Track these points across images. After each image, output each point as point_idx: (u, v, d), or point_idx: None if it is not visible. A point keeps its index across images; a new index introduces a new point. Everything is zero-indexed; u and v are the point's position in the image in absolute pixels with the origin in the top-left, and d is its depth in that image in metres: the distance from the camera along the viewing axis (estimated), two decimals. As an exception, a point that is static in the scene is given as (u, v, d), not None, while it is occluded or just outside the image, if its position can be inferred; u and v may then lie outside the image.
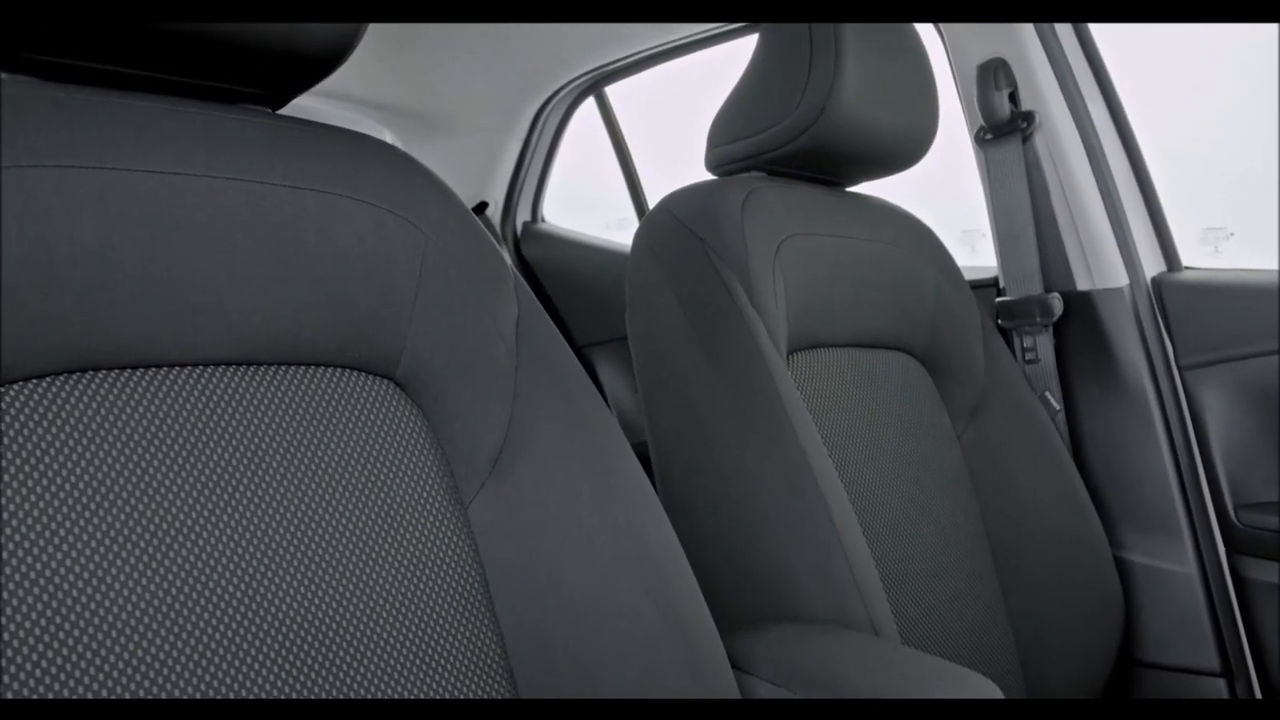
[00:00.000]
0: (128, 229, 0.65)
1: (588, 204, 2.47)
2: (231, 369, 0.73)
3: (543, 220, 2.38)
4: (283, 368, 0.75)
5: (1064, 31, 1.42)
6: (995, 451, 1.33)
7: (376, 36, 1.99)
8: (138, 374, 0.68)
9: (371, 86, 2.14)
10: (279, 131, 0.76)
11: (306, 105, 2.10)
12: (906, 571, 1.17)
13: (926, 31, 1.50)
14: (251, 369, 0.73)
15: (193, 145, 0.70)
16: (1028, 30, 1.40)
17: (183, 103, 0.74)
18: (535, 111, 2.20)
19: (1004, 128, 1.45)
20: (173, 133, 0.70)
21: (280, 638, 0.68)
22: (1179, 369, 1.38)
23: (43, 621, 0.59)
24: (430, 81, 2.15)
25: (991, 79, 1.44)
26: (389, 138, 2.34)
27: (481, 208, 2.32)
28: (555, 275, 2.32)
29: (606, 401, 2.23)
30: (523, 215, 2.35)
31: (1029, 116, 1.42)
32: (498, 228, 2.33)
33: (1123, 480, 1.39)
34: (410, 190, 0.80)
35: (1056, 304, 1.42)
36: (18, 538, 0.60)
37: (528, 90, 2.15)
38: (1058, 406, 1.43)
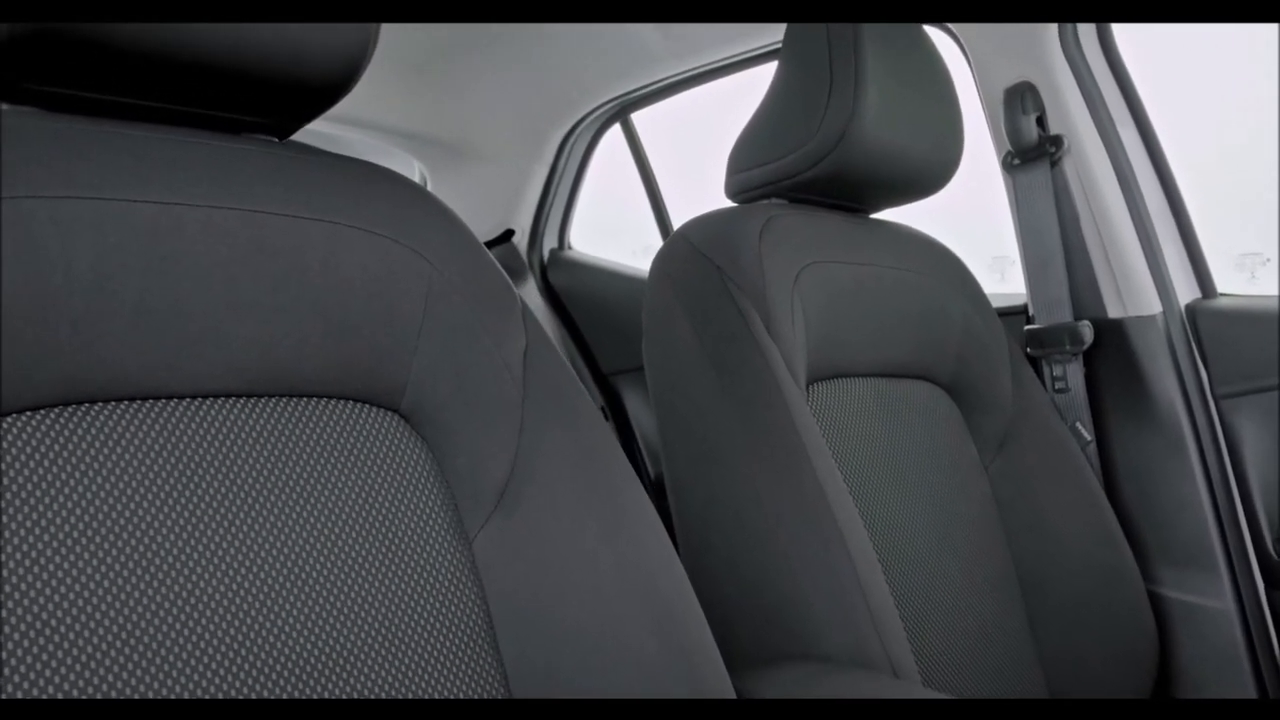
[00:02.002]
0: (125, 259, 0.65)
1: (614, 231, 2.46)
2: (230, 401, 0.72)
3: (569, 247, 2.37)
4: (283, 400, 0.74)
5: (1092, 54, 1.40)
6: (1024, 483, 1.30)
7: (404, 67, 2.00)
8: (134, 406, 0.67)
9: (400, 116, 2.16)
10: (282, 161, 0.76)
11: (335, 135, 2.12)
12: (930, 608, 1.14)
13: (952, 54, 1.48)
14: (251, 401, 0.72)
15: (194, 175, 0.70)
16: (1055, 53, 1.38)
17: (185, 132, 0.73)
18: (561, 139, 2.20)
19: (1032, 152, 1.42)
20: (173, 162, 0.70)
21: (278, 673, 0.67)
22: (1214, 398, 1.34)
23: (28, 659, 0.58)
24: (457, 110, 2.16)
25: (1019, 103, 1.41)
26: (417, 167, 2.35)
27: (508, 235, 2.32)
28: (582, 303, 2.31)
29: (632, 429, 2.22)
30: (549, 243, 2.35)
31: (1057, 141, 1.40)
32: (524, 255, 2.33)
33: (1156, 513, 1.35)
34: (417, 219, 0.80)
35: (1087, 332, 1.39)
36: (5, 573, 0.59)
37: (553, 118, 2.15)
38: (1089, 437, 1.39)
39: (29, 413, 0.63)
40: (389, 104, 2.10)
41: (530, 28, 1.87)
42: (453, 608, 0.76)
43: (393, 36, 1.87)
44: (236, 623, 0.66)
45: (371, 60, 1.93)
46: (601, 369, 2.30)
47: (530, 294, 2.30)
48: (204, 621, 0.65)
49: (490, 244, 2.33)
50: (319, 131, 2.09)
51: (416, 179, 2.33)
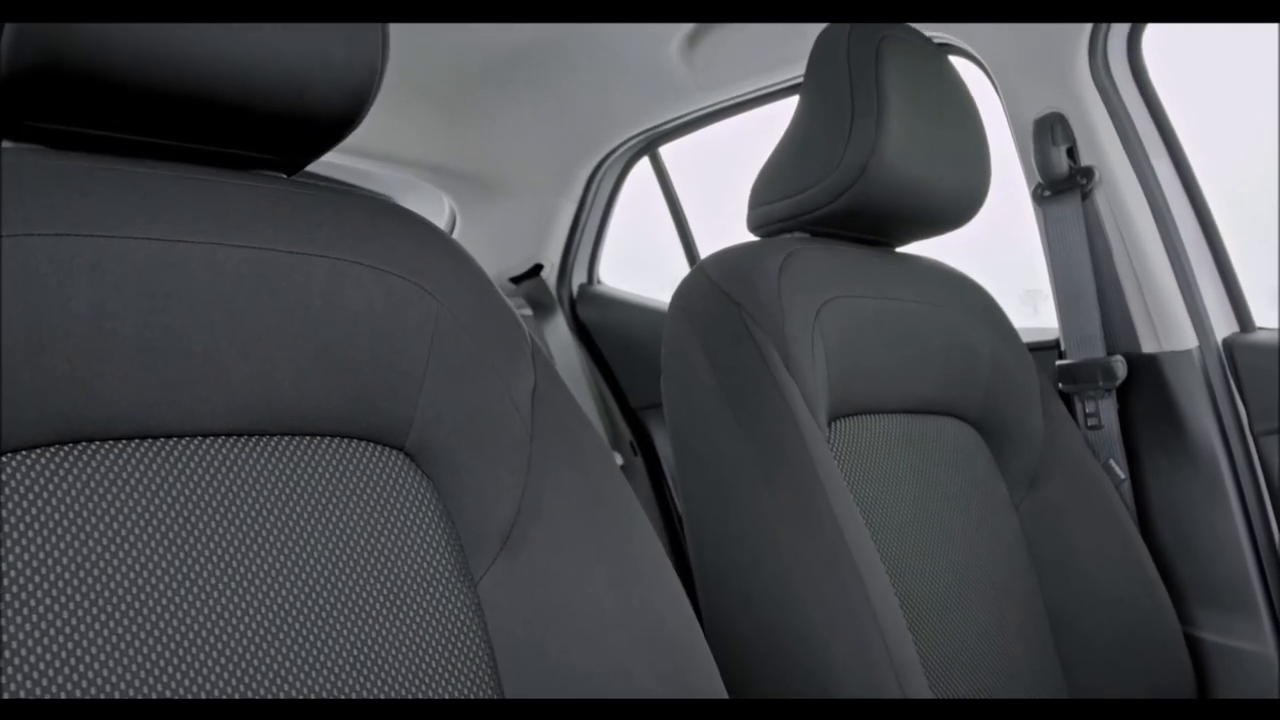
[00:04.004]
0: (124, 296, 0.65)
1: (644, 265, 2.45)
2: (231, 440, 0.71)
3: (598, 282, 2.37)
4: (285, 438, 0.73)
5: (1124, 83, 1.37)
6: (1056, 523, 1.27)
7: (433, 101, 2.00)
8: (132, 445, 0.67)
9: (429, 151, 2.16)
10: (288, 197, 0.75)
11: (366, 170, 2.13)
12: (956, 651, 1.11)
13: (981, 85, 1.46)
14: (252, 440, 0.72)
15: (197, 212, 0.70)
16: (1085, 83, 1.36)
17: (192, 169, 0.73)
18: (589, 173, 2.19)
19: (1062, 184, 1.40)
20: (177, 199, 0.69)
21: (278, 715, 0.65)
22: (1253, 435, 1.31)
23: (19, 696, 0.57)
24: (486, 145, 2.16)
25: (1049, 133, 1.39)
26: (446, 202, 2.36)
27: (536, 270, 2.31)
28: (611, 337, 2.30)
29: (661, 465, 2.20)
30: (578, 277, 2.34)
31: (1088, 172, 1.37)
32: (553, 290, 2.32)
33: (1193, 553, 1.31)
34: (424, 255, 0.79)
35: (1120, 367, 1.36)
36: None
37: (582, 152, 2.15)
38: (1123, 475, 1.36)
39: (24, 452, 0.62)
40: (418, 139, 2.11)
41: (557, 60, 1.87)
42: (457, 651, 0.75)
43: (421, 70, 1.88)
44: (235, 665, 0.65)
45: (400, 95, 1.94)
46: (631, 404, 2.29)
47: (559, 328, 2.29)
48: (202, 662, 0.64)
49: (519, 278, 2.33)
50: (348, 166, 2.10)
51: (446, 213, 2.35)
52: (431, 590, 0.75)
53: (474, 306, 0.80)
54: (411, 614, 0.74)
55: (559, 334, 2.29)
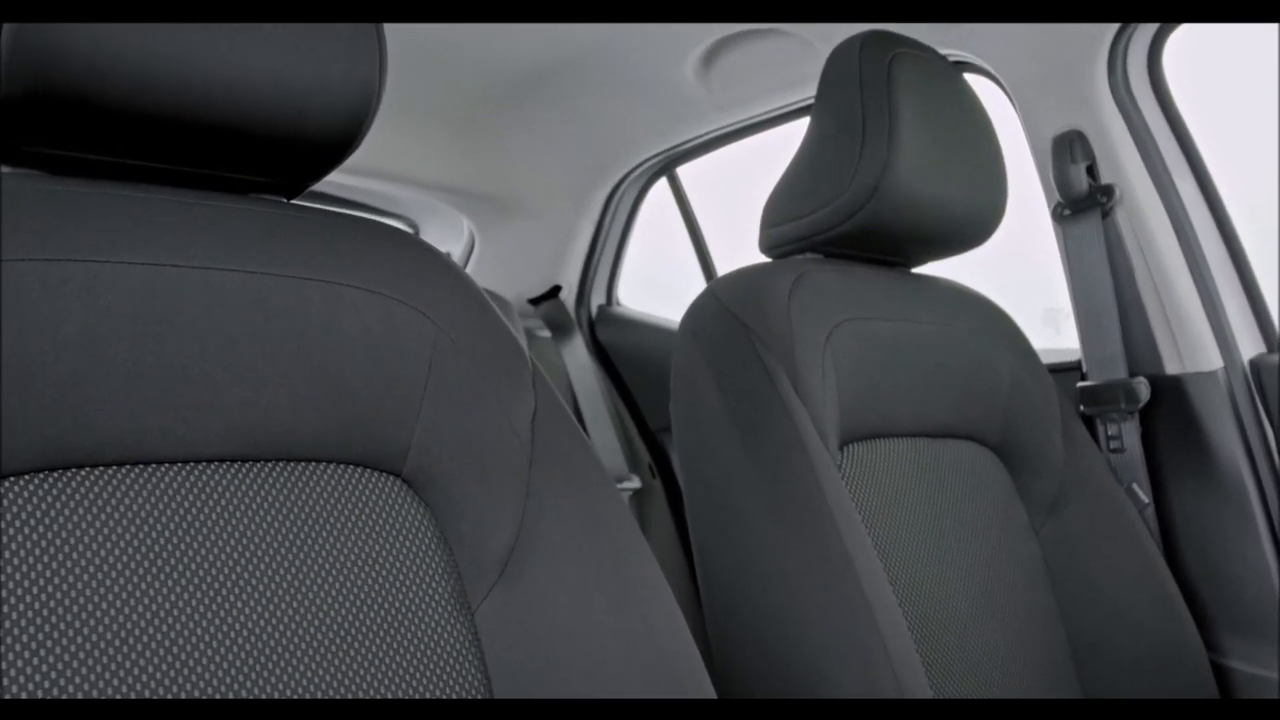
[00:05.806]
0: (116, 322, 0.64)
1: (662, 286, 2.44)
2: (224, 465, 0.70)
3: (617, 303, 2.36)
4: (280, 464, 0.72)
5: (1144, 99, 1.35)
6: (1077, 548, 1.24)
7: (451, 123, 2.01)
8: (123, 471, 0.66)
9: (449, 173, 2.17)
10: (285, 221, 0.75)
11: (384, 191, 2.13)
12: (974, 682, 1.08)
13: (998, 101, 1.44)
14: (246, 465, 0.71)
15: (192, 236, 0.69)
16: (1105, 99, 1.34)
17: (189, 194, 0.73)
18: (607, 194, 2.19)
19: (1082, 202, 1.38)
20: (171, 224, 0.69)
21: None
22: None
23: None
24: (504, 167, 2.16)
25: (1068, 151, 1.37)
26: (465, 223, 2.36)
27: (555, 291, 2.31)
28: (629, 359, 2.29)
29: (679, 487, 2.18)
30: (597, 298, 2.34)
31: (1108, 190, 1.35)
32: (572, 311, 2.32)
33: (1220, 579, 1.28)
34: (423, 279, 0.78)
35: (1143, 389, 1.33)
36: None
37: (599, 173, 2.15)
38: (1146, 499, 1.33)
39: (13, 478, 0.62)
40: (437, 161, 2.11)
41: (574, 81, 1.87)
42: (453, 680, 0.73)
43: (439, 93, 1.88)
44: (227, 691, 0.64)
45: (418, 117, 1.94)
46: (649, 426, 2.28)
47: (578, 350, 2.28)
48: (194, 684, 0.63)
49: (537, 300, 2.33)
50: (367, 189, 2.10)
51: (465, 235, 2.35)
52: (428, 618, 0.74)
53: (473, 330, 0.79)
54: (407, 642, 0.72)
55: (577, 355, 2.28)
